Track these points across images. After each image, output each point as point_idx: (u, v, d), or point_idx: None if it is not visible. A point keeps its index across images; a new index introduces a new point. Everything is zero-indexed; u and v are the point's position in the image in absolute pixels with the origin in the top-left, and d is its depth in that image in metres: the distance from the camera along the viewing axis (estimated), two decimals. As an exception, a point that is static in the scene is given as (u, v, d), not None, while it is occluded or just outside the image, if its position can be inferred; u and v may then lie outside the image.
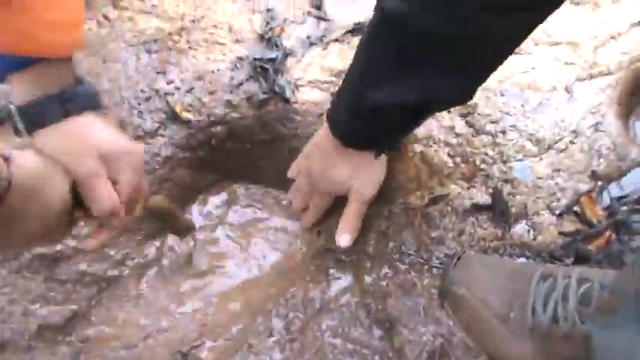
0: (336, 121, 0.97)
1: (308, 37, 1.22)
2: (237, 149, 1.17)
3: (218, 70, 1.15)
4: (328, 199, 1.08)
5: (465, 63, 0.80)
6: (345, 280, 1.01)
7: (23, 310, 0.97)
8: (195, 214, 1.19)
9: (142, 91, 1.14)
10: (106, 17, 1.26)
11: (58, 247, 1.01)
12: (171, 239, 1.13)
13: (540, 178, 1.02)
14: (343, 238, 1.01)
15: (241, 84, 1.14)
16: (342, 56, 1.19)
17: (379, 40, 0.84)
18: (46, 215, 0.70)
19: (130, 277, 1.08)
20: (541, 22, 0.78)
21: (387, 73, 0.85)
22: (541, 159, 1.04)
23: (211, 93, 1.13)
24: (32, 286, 1.00)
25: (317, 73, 1.17)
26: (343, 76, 1.14)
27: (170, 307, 1.07)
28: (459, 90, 0.86)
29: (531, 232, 0.98)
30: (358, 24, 1.23)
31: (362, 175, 1.00)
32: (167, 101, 1.12)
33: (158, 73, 1.16)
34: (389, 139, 0.98)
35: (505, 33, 0.78)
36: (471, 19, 0.73)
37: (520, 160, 1.04)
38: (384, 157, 1.02)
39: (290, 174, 1.13)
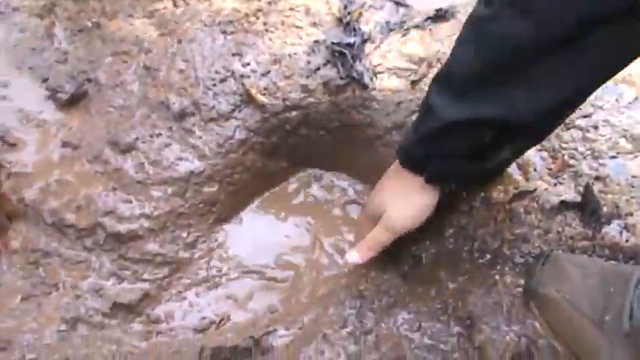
0: (402, 136, 0.91)
1: (387, 23, 1.19)
2: (312, 136, 1.15)
3: (295, 53, 1.13)
4: (368, 226, 0.97)
5: (543, 84, 0.71)
6: (421, 275, 0.97)
7: (97, 287, 0.97)
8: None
9: (217, 72, 1.12)
10: (181, -3, 1.25)
11: (132, 226, 1.00)
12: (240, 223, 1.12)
13: (635, 177, 0.97)
14: (351, 255, 0.94)
15: (318, 69, 1.11)
16: (422, 43, 1.15)
17: (461, 47, 0.77)
18: None
19: (200, 259, 1.07)
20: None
21: (457, 86, 0.76)
22: (636, 157, 0.98)
23: (287, 77, 1.11)
24: (105, 263, 0.99)
25: (396, 60, 1.13)
26: (424, 63, 1.11)
27: (240, 293, 1.06)
28: (532, 116, 0.75)
29: (624, 233, 0.92)
30: (439, 10, 1.19)
31: (400, 202, 0.90)
32: (242, 84, 1.10)
33: (234, 54, 1.14)
34: (441, 164, 0.85)
35: (604, 49, 0.68)
36: (566, 29, 0.66)
37: (613, 157, 0.99)
38: (432, 197, 0.90)
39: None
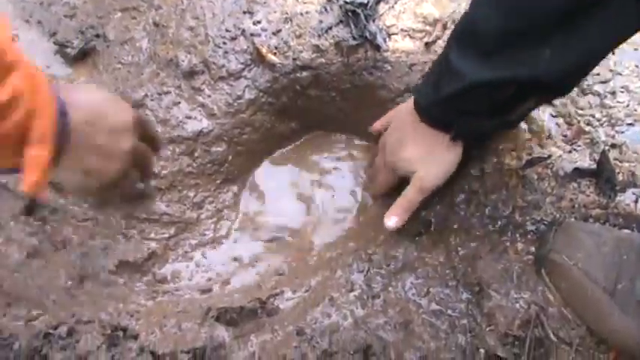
0: (419, 90, 0.89)
1: (402, -18, 1.16)
2: (322, 97, 1.13)
3: (307, 12, 1.10)
4: (392, 178, 1.00)
5: (572, 43, 0.70)
6: (430, 240, 0.96)
7: (103, 245, 0.96)
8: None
9: (228, 30, 1.10)
10: (192, -48, 1.21)
11: (139, 185, 0.99)
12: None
13: (652, 145, 0.95)
14: (391, 220, 0.94)
15: (330, 28, 1.09)
16: (437, 4, 1.12)
17: (483, 9, 0.75)
18: (113, 141, 0.77)
19: (207, 220, 1.06)
20: None
21: (482, 46, 0.75)
22: (654, 124, 0.97)
23: (299, 36, 1.08)
24: (112, 222, 0.99)
25: (410, 21, 1.10)
26: (438, 25, 1.09)
27: (246, 255, 1.05)
28: (561, 73, 0.74)
29: (639, 202, 0.91)
30: (456, -30, 1.16)
31: (429, 161, 0.91)
32: (253, 42, 1.08)
33: (244, 12, 1.11)
34: (468, 122, 0.85)
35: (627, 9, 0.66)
36: None
37: (630, 124, 0.97)
38: (458, 150, 0.91)
39: (372, 129, 1.08)
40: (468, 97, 0.79)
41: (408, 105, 0.94)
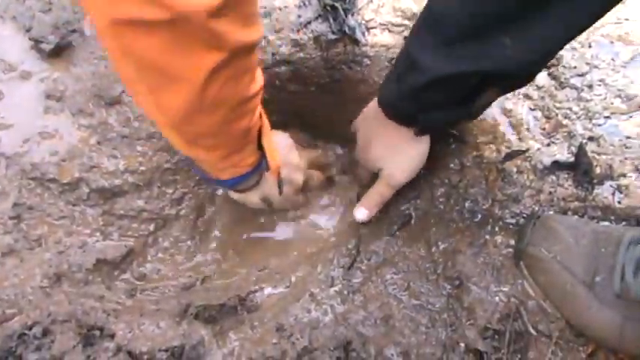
0: (382, 86, 0.89)
1: (380, -23, 1.15)
2: (301, 92, 1.12)
3: (285, 6, 1.09)
4: (366, 173, 1.04)
5: (533, 32, 0.69)
6: (410, 234, 0.96)
7: (80, 243, 0.95)
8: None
9: (205, 25, 1.08)
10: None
11: (117, 181, 0.98)
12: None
13: (629, 137, 0.95)
14: (360, 212, 0.96)
15: (309, 22, 1.08)
16: (416, -2, 1.12)
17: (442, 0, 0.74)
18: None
19: (187, 216, 1.05)
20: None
21: (443, 36, 0.73)
22: (630, 117, 0.97)
23: (277, 31, 1.07)
24: (89, 219, 0.97)
25: (389, 15, 1.10)
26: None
27: (227, 251, 1.04)
28: (522, 63, 0.73)
29: (617, 194, 0.91)
30: (434, -36, 1.15)
31: (396, 158, 0.92)
32: (231, 37, 1.07)
33: (223, 7, 1.10)
34: (433, 115, 0.84)
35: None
36: None
37: (607, 117, 0.97)
38: (425, 145, 0.91)
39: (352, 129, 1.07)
40: (430, 91, 0.78)
41: (373, 103, 0.94)
